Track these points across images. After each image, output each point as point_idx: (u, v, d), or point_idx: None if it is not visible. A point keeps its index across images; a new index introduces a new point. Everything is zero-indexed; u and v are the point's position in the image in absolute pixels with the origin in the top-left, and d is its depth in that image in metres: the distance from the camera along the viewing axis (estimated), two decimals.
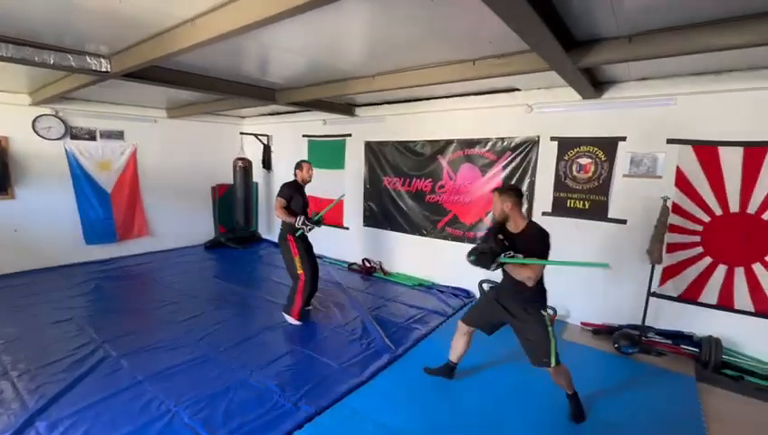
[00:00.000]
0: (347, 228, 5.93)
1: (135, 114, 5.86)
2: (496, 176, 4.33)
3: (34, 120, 4.98)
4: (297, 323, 3.67)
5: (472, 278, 4.52)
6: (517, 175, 4.18)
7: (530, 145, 4.08)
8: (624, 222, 3.63)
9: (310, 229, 3.69)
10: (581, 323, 3.90)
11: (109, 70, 3.01)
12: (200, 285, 4.81)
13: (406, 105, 4.96)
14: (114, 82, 4.08)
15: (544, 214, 4.05)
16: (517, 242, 2.33)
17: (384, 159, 5.31)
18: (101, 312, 3.86)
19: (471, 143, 4.51)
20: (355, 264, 5.66)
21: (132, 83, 3.68)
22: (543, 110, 3.97)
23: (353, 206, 5.77)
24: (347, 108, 5.45)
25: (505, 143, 4.25)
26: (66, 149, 5.26)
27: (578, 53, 2.35)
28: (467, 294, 4.60)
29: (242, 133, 6.80)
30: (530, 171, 4.10)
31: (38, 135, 5.03)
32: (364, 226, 5.68)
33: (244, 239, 6.84)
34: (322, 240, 6.30)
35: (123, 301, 4.28)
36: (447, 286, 4.79)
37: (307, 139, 6.27)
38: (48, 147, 5.11)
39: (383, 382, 2.82)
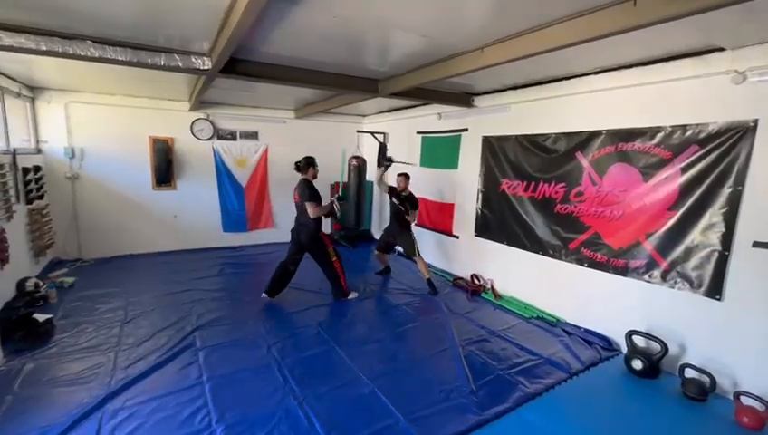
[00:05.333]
0: (456, 237, 5.18)
1: (268, 116, 6.38)
2: (670, 182, 2.94)
3: (192, 123, 5.86)
4: (355, 294, 4.23)
5: (616, 323, 3.26)
6: (708, 181, 2.73)
7: (735, 134, 2.60)
8: None
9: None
10: None
11: (209, 67, 3.07)
12: (304, 282, 4.73)
13: (536, 89, 3.92)
14: (250, 86, 4.38)
15: (757, 245, 2.52)
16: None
17: (504, 157, 4.36)
18: (210, 298, 4.14)
19: (629, 135, 3.20)
20: (462, 279, 4.87)
21: (264, 85, 4.05)
22: None
23: (465, 212, 4.98)
24: (464, 97, 4.70)
25: (689, 133, 2.84)
26: (213, 148, 6.06)
27: None
28: (608, 343, 3.31)
29: (358, 131, 6.74)
30: (732, 176, 2.62)
31: (194, 136, 5.90)
32: (476, 235, 4.83)
33: (356, 238, 6.78)
34: (428, 248, 5.73)
35: (232, 289, 4.51)
36: (578, 327, 3.58)
37: (421, 135, 5.75)
38: (200, 146, 5.95)
39: None
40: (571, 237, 3.68)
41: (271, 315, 3.75)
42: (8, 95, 4.25)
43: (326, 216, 4.09)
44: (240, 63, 3.22)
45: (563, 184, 3.73)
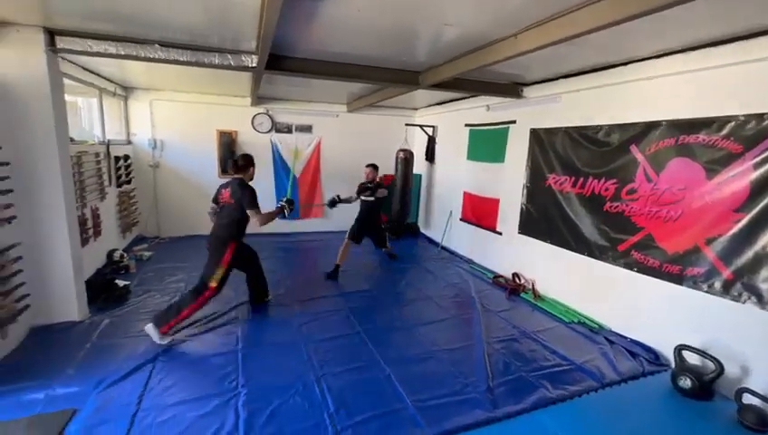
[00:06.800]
0: (499, 233, 5.00)
1: (322, 110, 6.68)
2: (739, 179, 2.56)
3: (253, 118, 6.36)
4: (162, 342, 2.87)
5: (667, 335, 2.94)
6: None
7: None
8: None
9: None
10: None
11: (255, 65, 3.33)
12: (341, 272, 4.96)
13: (591, 76, 3.62)
14: (305, 81, 4.68)
15: None
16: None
17: (552, 150, 4.10)
18: None
19: (692, 126, 2.84)
20: (502, 277, 4.71)
21: (318, 81, 4.28)
22: None
23: (510, 207, 4.79)
24: (512, 88, 4.49)
25: (765, 123, 2.44)
26: (271, 141, 6.52)
27: None
28: (655, 356, 3.00)
29: (407, 124, 6.76)
30: None
31: (255, 129, 6.41)
32: (519, 232, 4.62)
33: (400, 231, 6.85)
34: (470, 244, 5.62)
35: (278, 271, 4.85)
36: (623, 336, 3.29)
37: (468, 128, 5.61)
38: (260, 138, 6.44)
39: None
40: (621, 239, 3.37)
41: (305, 298, 3.99)
42: (106, 94, 5.01)
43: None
44: (284, 60, 3.45)
45: (615, 180, 3.42)
